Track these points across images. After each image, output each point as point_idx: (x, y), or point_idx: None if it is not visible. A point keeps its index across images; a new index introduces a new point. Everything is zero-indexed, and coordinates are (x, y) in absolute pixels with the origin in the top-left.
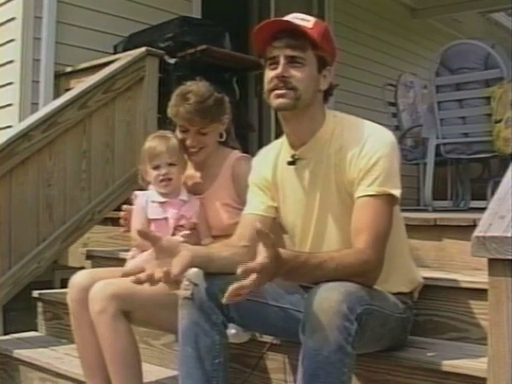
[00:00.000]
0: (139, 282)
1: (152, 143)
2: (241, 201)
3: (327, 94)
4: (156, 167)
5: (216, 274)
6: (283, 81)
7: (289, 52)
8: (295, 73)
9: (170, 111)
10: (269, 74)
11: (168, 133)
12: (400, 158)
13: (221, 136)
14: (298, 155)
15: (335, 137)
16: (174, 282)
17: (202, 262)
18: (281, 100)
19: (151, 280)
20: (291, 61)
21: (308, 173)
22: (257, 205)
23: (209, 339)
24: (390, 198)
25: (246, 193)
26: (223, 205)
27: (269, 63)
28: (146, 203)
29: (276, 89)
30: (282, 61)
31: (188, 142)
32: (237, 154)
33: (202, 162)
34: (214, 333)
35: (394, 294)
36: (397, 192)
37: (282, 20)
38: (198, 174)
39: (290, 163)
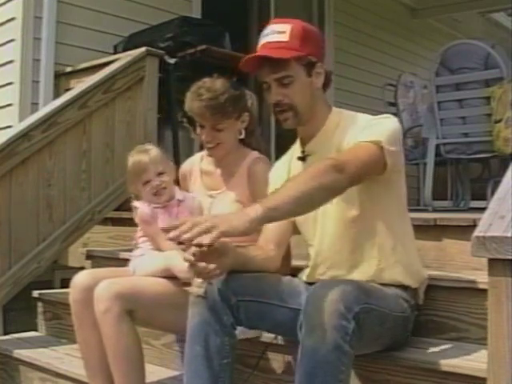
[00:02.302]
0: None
1: (135, 159)
2: (253, 199)
3: (326, 83)
4: (146, 182)
5: (230, 275)
6: (278, 105)
7: (275, 76)
8: (287, 92)
9: (186, 106)
10: (266, 95)
11: (146, 145)
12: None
13: (240, 133)
14: (307, 151)
15: (340, 128)
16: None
17: (239, 265)
18: (286, 123)
19: (203, 274)
20: (280, 82)
21: None
22: None
23: (219, 339)
24: (379, 147)
25: (259, 191)
26: (235, 201)
27: (263, 84)
28: (152, 211)
29: (277, 112)
30: (272, 86)
31: (203, 138)
32: (255, 154)
33: (222, 159)
34: (223, 333)
35: (399, 287)
36: (387, 145)
37: (257, 55)
38: (218, 171)
39: (300, 159)
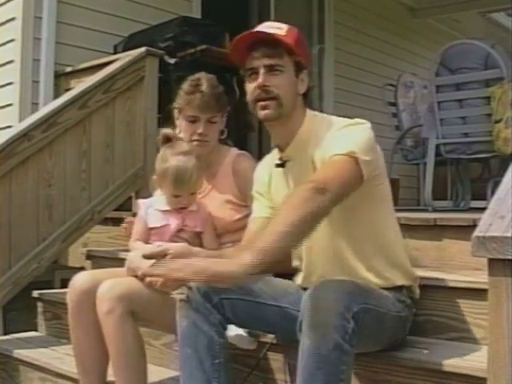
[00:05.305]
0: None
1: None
2: (243, 196)
3: (306, 97)
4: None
5: None
6: (265, 90)
7: (266, 61)
8: (275, 81)
9: (182, 100)
10: (250, 85)
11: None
12: (378, 146)
13: (222, 133)
14: (285, 157)
15: (314, 134)
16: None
17: None
18: (266, 112)
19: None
20: (270, 69)
21: (294, 173)
22: (260, 209)
23: (207, 339)
24: (354, 159)
25: (248, 188)
26: (225, 202)
27: (249, 74)
28: (146, 213)
29: (259, 99)
30: (261, 70)
31: (200, 131)
32: (235, 151)
33: (203, 159)
34: (212, 333)
35: (393, 289)
36: (362, 156)
37: (257, 31)
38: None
39: (278, 165)
